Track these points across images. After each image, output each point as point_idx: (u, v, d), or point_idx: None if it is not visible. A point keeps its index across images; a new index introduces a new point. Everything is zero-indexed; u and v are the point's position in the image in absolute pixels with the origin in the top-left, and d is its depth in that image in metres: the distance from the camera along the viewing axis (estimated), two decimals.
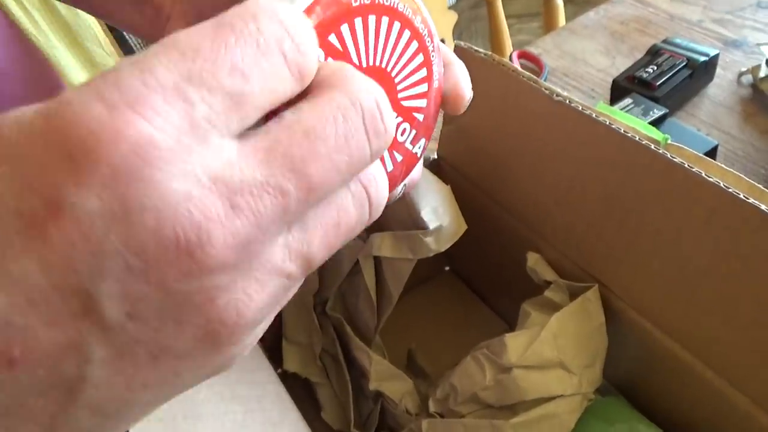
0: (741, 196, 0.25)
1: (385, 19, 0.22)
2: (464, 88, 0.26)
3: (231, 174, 0.12)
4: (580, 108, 0.31)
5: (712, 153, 0.51)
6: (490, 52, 0.37)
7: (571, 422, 0.29)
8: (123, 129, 0.11)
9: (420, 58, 0.24)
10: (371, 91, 0.15)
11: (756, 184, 0.29)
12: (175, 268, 0.12)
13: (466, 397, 0.31)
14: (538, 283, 0.35)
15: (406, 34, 0.23)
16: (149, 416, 0.24)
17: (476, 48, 0.38)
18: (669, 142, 0.29)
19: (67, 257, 0.11)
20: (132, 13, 0.28)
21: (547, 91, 0.33)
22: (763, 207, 0.25)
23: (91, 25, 1.38)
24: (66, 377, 0.12)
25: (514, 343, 0.30)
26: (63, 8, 1.34)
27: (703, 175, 0.27)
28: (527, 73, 0.35)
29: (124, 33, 1.41)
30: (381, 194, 0.16)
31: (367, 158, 0.15)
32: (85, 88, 0.12)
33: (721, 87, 0.61)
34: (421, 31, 0.24)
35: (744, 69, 0.61)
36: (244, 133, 0.13)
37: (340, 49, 0.20)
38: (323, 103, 0.14)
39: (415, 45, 0.24)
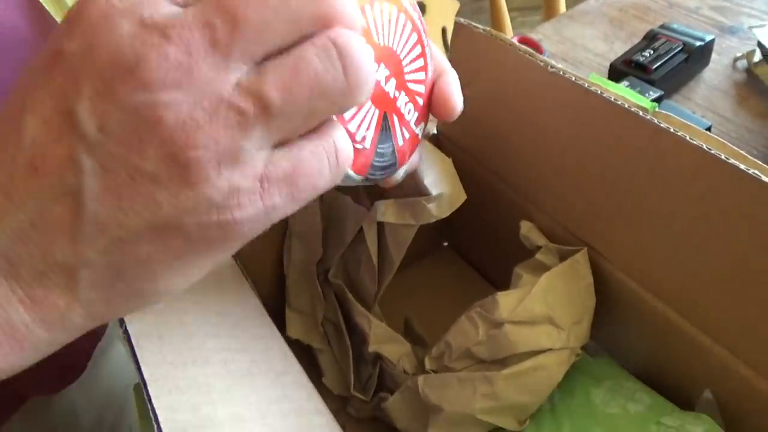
0: (722, 156, 0.27)
1: (394, 9, 0.24)
2: (456, 96, 0.28)
3: (168, 19, 0.16)
4: (574, 78, 0.33)
5: None
6: (488, 28, 0.38)
7: (559, 374, 0.31)
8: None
9: (419, 49, 0.27)
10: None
11: (739, 150, 0.31)
12: (124, 85, 0.15)
13: (460, 353, 0.33)
14: (531, 250, 0.36)
15: (408, 25, 0.26)
16: (161, 359, 0.26)
17: (475, 24, 0.39)
18: (657, 110, 0.31)
19: (61, 87, 0.16)
20: None
21: (542, 63, 0.34)
22: (742, 166, 0.26)
23: None
24: (70, 185, 0.16)
25: (506, 301, 0.31)
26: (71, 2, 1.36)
27: (687, 138, 0.28)
28: (524, 46, 0.36)
29: None
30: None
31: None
32: None
33: (716, 71, 0.62)
34: (419, 26, 0.26)
35: (739, 54, 0.62)
36: None
37: (365, 25, 0.22)
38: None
39: (415, 37, 0.26)
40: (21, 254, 0.17)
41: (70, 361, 0.43)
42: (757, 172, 0.26)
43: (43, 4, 0.34)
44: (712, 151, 0.27)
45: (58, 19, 0.35)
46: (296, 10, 0.16)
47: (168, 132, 0.15)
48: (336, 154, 0.19)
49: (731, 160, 0.27)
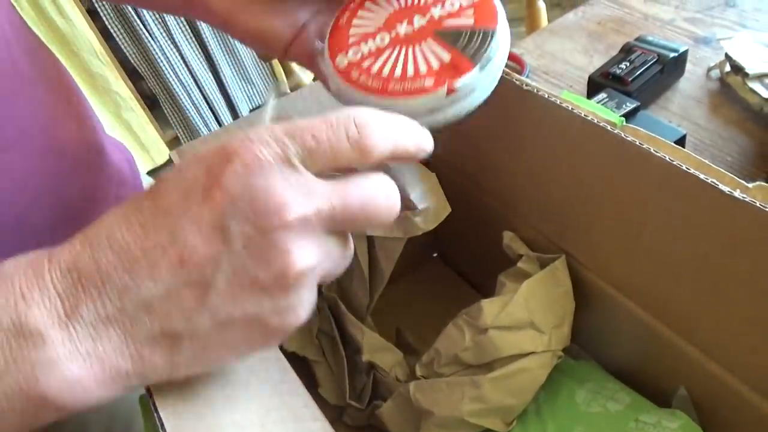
0: (684, 167, 0.29)
1: None
2: None
3: (308, 183, 0.21)
4: (547, 96, 0.35)
5: (680, 141, 0.55)
6: None
7: (542, 376, 0.33)
8: (255, 149, 0.21)
9: None
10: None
11: (704, 160, 0.33)
12: (269, 222, 0.21)
13: (449, 359, 0.35)
14: (514, 259, 0.38)
15: None
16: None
17: None
18: (624, 124, 0.33)
19: (221, 208, 0.21)
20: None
21: (517, 82, 0.36)
22: (702, 176, 0.28)
23: (87, 36, 1.42)
24: (204, 279, 0.21)
25: (490, 307, 0.33)
26: (58, 19, 1.38)
27: (652, 150, 0.30)
28: None
29: (119, 43, 1.45)
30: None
31: (383, 214, 0.24)
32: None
33: (691, 81, 0.65)
34: None
35: (712, 64, 0.65)
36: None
37: None
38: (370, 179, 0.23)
39: None
40: (143, 319, 0.21)
41: None
42: (715, 181, 0.28)
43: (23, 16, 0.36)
44: (675, 163, 0.29)
45: (35, 28, 0.37)
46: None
47: (288, 260, 0.21)
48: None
49: (692, 171, 0.29)
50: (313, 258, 0.22)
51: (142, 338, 0.22)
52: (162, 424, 0.24)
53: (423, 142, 0.25)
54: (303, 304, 0.23)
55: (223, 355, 0.24)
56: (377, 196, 0.23)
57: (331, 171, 0.23)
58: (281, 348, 0.46)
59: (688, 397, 0.33)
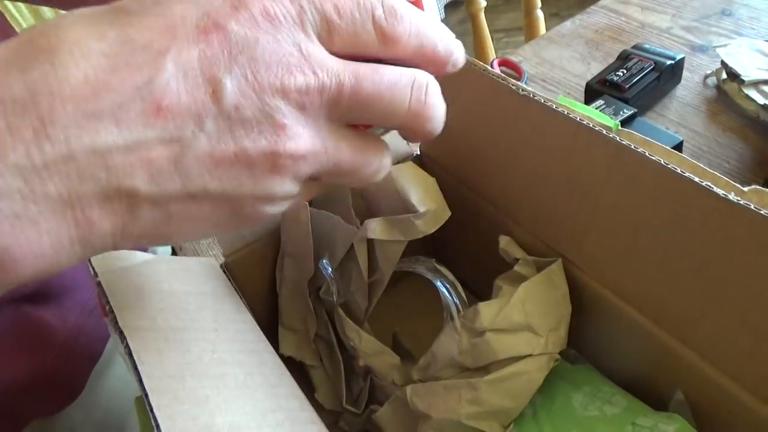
0: (678, 170, 0.29)
1: None
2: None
3: (318, 55, 0.19)
4: (543, 100, 0.35)
5: (678, 148, 0.55)
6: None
7: (539, 379, 0.33)
8: (267, 3, 0.18)
9: None
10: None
11: (698, 164, 0.33)
12: (271, 86, 0.18)
13: (446, 363, 0.35)
14: (510, 263, 0.38)
15: None
16: (161, 372, 0.28)
17: None
18: (620, 128, 0.33)
19: (215, 54, 0.18)
20: None
21: (513, 87, 0.37)
22: (696, 179, 0.28)
23: None
24: (183, 135, 0.18)
25: (487, 310, 0.33)
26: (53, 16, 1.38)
27: (647, 154, 0.30)
28: (495, 71, 0.38)
29: None
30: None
31: (404, 108, 0.21)
32: None
33: (688, 89, 0.65)
34: None
35: (709, 72, 0.65)
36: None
37: None
38: (397, 68, 0.21)
39: None
40: (97, 174, 0.17)
41: (70, 383, 0.44)
42: (710, 184, 0.28)
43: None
44: (669, 166, 0.29)
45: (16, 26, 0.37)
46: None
47: (282, 136, 0.19)
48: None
49: (687, 174, 0.29)
50: (307, 141, 0.19)
51: (92, 198, 0.17)
52: (157, 425, 0.24)
53: (455, 50, 0.22)
54: (283, 196, 0.20)
55: (184, 231, 0.20)
56: (399, 86, 0.20)
57: (345, 54, 0.20)
58: (278, 352, 0.46)
59: (685, 400, 0.33)
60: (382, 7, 0.20)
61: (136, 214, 0.18)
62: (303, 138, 0.19)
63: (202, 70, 0.18)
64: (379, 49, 0.20)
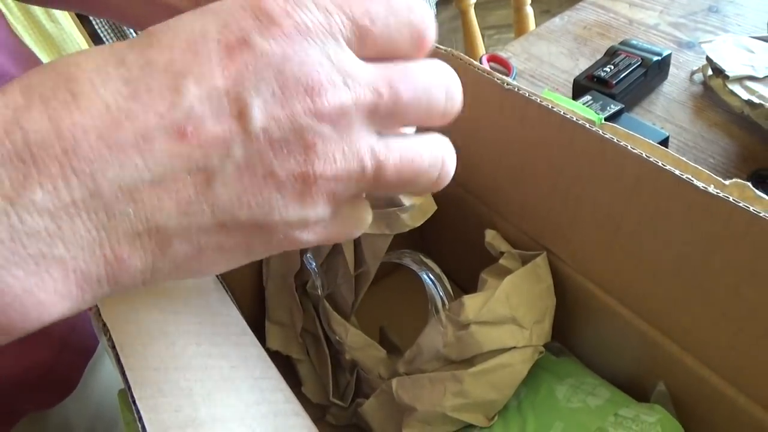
0: (659, 163, 0.29)
1: None
2: None
3: (352, 69, 0.18)
4: (527, 94, 0.35)
5: (664, 143, 0.56)
6: (450, 49, 0.41)
7: (523, 371, 0.33)
8: (291, 12, 0.17)
9: None
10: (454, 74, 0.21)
11: (681, 158, 0.33)
12: (301, 104, 0.17)
13: (431, 356, 0.35)
14: (496, 256, 0.39)
15: None
16: (145, 365, 0.28)
17: (438, 45, 0.42)
18: (603, 122, 0.33)
19: (240, 71, 0.16)
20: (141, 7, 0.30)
21: (498, 81, 0.37)
22: (677, 172, 0.29)
23: (76, 40, 1.42)
24: (209, 165, 0.17)
25: (472, 303, 0.33)
26: (47, 22, 1.37)
27: (629, 147, 0.30)
28: (481, 65, 0.38)
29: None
30: (449, 167, 0.22)
31: (440, 110, 0.20)
32: None
33: (674, 84, 0.66)
34: None
35: (695, 68, 0.65)
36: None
37: None
38: (426, 65, 0.20)
39: None
40: (125, 210, 0.16)
41: (66, 377, 0.44)
42: (690, 177, 0.28)
43: (29, 46, 0.36)
44: (651, 159, 0.30)
45: (43, 58, 0.37)
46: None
47: (312, 157, 0.17)
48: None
49: (668, 167, 0.29)
50: (340, 161, 0.18)
51: (121, 234, 0.16)
52: (140, 417, 0.24)
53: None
54: (316, 220, 0.19)
55: (216, 263, 0.19)
56: (435, 85, 0.20)
57: (378, 61, 0.19)
58: (264, 346, 0.46)
59: (667, 392, 0.33)
60: (416, 11, 0.19)
61: (166, 250, 0.17)
62: (335, 157, 0.18)
63: (227, 90, 0.16)
64: (412, 53, 0.19)
